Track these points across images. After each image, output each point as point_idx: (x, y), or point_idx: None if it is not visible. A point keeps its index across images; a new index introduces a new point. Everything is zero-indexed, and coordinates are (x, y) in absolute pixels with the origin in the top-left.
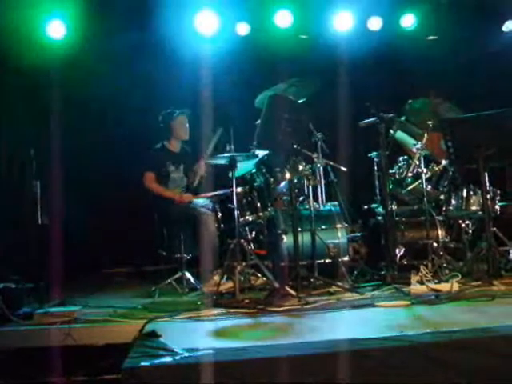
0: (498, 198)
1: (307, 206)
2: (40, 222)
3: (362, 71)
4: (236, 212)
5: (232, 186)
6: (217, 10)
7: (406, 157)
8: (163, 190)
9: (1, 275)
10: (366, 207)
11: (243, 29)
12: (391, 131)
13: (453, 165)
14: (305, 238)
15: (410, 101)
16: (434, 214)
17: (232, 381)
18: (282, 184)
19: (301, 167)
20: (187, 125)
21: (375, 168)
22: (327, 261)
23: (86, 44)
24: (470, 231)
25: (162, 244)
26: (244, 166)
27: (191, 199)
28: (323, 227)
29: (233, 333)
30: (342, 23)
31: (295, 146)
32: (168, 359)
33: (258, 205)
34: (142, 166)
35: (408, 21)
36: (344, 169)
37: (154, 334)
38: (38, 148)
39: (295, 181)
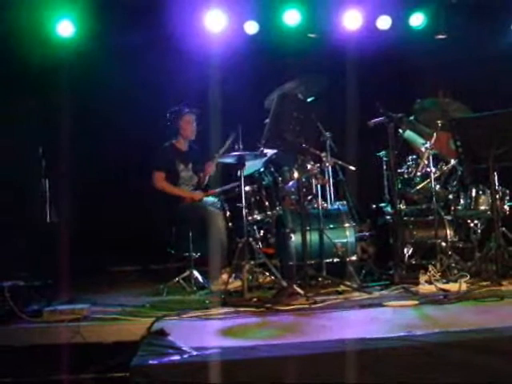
0: (507, 197)
1: (315, 205)
2: (49, 219)
3: (371, 70)
4: (244, 211)
5: (240, 184)
6: (225, 9)
7: (414, 156)
8: (173, 189)
9: (10, 273)
10: (374, 206)
11: (252, 27)
12: (400, 130)
13: (462, 164)
14: (313, 237)
15: (418, 100)
16: (442, 214)
17: (240, 380)
18: (291, 183)
19: (309, 166)
20: (194, 124)
21: (384, 167)
22: (335, 260)
23: (95, 43)
24: (479, 231)
25: (171, 242)
26: (252, 165)
27: (202, 197)
28: (331, 226)
29: (241, 331)
30: (351, 22)
31: (304, 145)
32: (176, 357)
33: (267, 204)
34: (151, 165)
35: (417, 20)
36: (352, 168)
37: (162, 333)
38: (46, 146)
39: (303, 180)
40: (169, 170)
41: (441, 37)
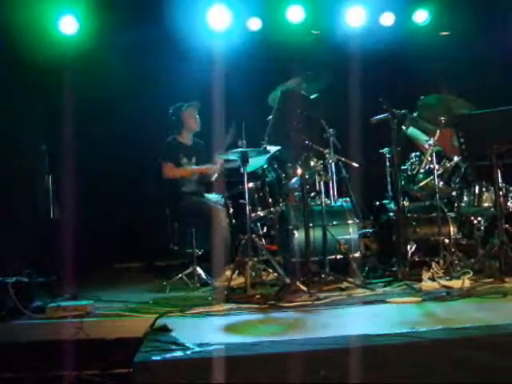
0: (511, 194)
1: (319, 202)
2: (52, 216)
3: (375, 67)
4: (247, 207)
5: (243, 180)
6: (229, 5)
7: (418, 153)
8: (186, 170)
9: (13, 269)
10: (377, 203)
11: (255, 24)
12: (403, 127)
13: (465, 161)
14: (316, 234)
15: (422, 97)
16: (445, 211)
17: (243, 376)
18: (294, 180)
19: (312, 163)
20: (197, 116)
21: (387, 164)
22: (338, 257)
23: (98, 40)
24: (482, 228)
25: (174, 239)
26: (256, 162)
27: (215, 169)
28: (334, 223)
29: (244, 328)
30: (355, 18)
31: (307, 142)
32: (179, 354)
33: (270, 200)
34: (158, 159)
35: (421, 16)
36: (356, 165)
37: (165, 329)
38: (50, 143)
39: (307, 176)
40: (175, 162)
41: (445, 33)
